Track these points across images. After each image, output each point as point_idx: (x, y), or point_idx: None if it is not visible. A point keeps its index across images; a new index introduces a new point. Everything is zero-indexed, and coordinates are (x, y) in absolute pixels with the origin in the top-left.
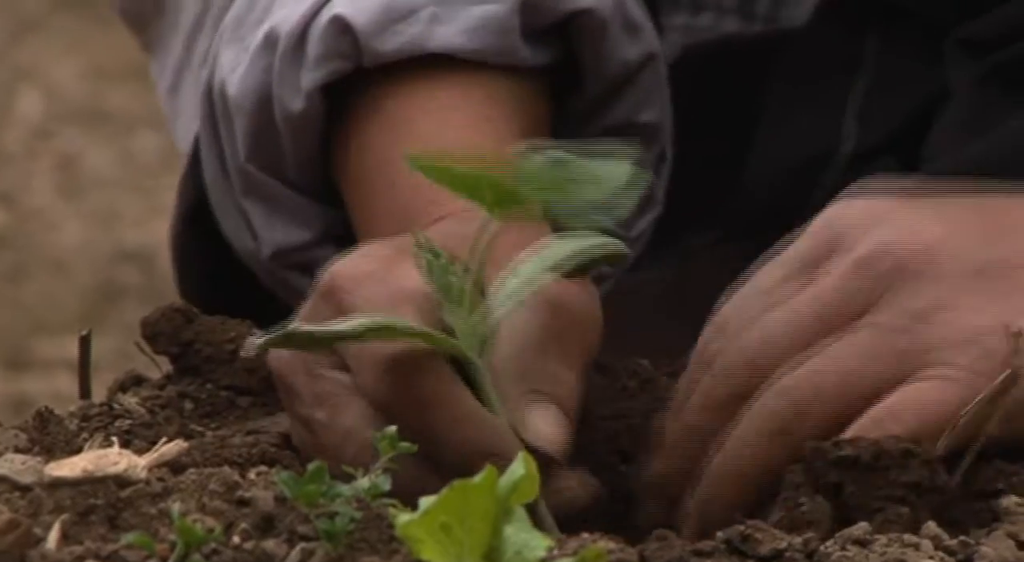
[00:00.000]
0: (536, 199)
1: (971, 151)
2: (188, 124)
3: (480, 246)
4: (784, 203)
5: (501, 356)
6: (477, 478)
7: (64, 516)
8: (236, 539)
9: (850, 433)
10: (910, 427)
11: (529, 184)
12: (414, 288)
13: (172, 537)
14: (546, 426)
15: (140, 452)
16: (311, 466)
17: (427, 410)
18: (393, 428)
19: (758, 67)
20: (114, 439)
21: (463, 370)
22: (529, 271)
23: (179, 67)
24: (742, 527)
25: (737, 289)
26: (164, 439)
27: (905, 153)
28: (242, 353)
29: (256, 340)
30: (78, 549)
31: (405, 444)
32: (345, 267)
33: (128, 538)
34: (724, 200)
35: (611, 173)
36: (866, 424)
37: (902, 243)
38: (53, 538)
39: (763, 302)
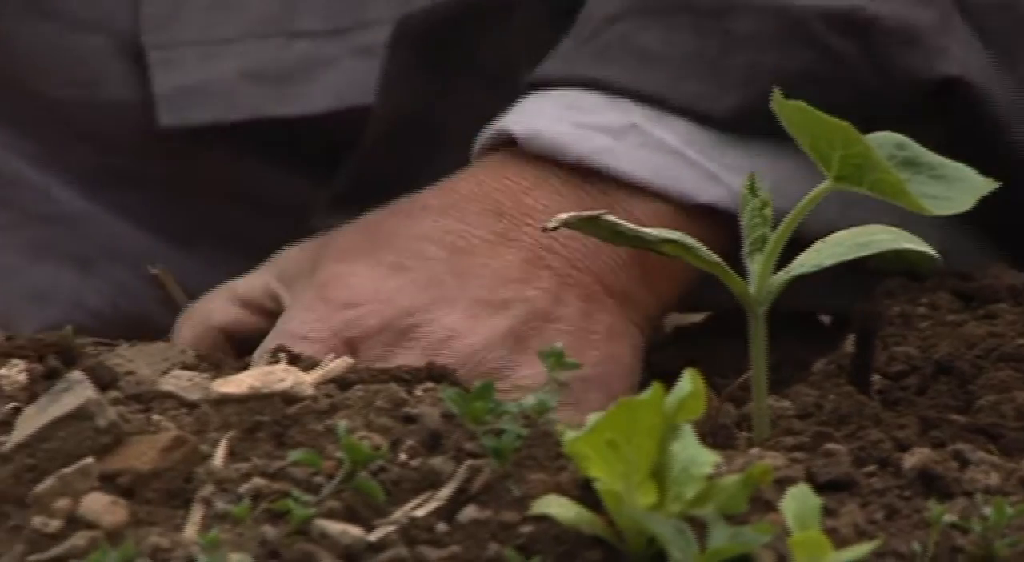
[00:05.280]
0: (884, 172)
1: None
2: None
3: (803, 204)
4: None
5: None
6: (644, 395)
7: (231, 433)
8: (403, 456)
9: None
10: None
11: (881, 157)
12: None
13: (339, 454)
14: None
15: (307, 369)
16: (478, 383)
17: None
18: (560, 345)
19: None
20: (281, 355)
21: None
22: (840, 240)
23: None
24: None
25: None
26: (331, 355)
27: None
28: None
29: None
30: (244, 466)
31: (572, 361)
32: None
33: (295, 455)
34: None
35: (964, 174)
36: None
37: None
38: (220, 455)
39: None
